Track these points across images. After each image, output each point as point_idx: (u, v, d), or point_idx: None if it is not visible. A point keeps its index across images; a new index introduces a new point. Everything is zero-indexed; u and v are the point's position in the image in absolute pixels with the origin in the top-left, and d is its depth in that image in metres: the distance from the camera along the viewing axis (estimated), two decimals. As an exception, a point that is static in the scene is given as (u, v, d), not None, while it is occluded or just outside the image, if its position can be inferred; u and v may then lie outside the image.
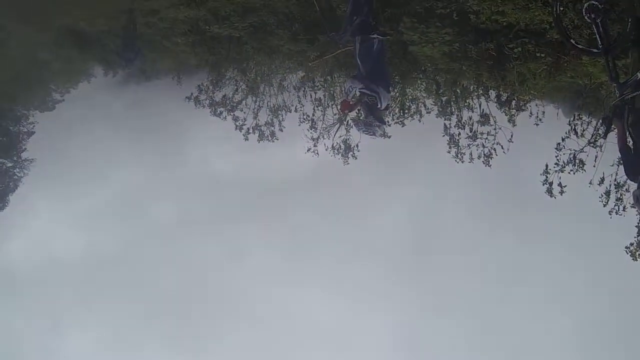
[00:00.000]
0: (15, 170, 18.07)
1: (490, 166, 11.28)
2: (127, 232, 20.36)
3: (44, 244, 19.96)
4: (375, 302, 19.51)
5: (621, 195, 9.44)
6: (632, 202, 4.86)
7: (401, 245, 19.07)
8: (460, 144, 11.42)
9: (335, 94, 13.32)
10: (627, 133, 4.75)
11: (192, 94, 14.69)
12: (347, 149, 13.39)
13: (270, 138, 14.61)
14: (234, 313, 20.50)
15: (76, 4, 9.59)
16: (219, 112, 14.64)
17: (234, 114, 14.64)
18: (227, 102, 14.61)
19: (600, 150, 9.65)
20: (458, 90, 11.30)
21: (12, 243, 19.46)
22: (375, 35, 6.40)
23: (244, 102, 14.57)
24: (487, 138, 11.22)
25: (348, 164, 13.46)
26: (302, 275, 20.35)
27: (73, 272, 20.06)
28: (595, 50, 5.18)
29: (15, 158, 17.83)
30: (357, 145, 13.21)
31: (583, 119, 9.98)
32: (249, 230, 19.86)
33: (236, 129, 14.57)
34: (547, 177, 10.17)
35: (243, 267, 20.40)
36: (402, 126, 12.39)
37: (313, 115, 13.75)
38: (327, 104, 13.64)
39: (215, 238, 20.31)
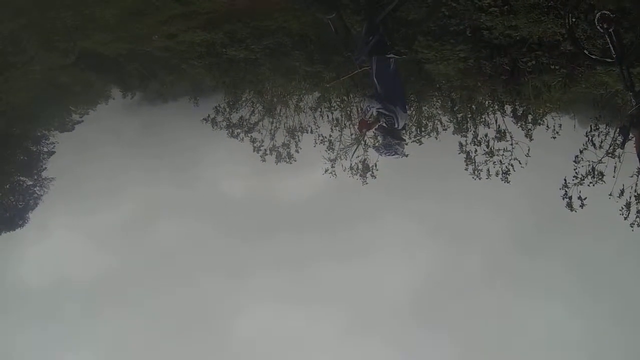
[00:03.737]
0: (35, 189, 18.38)
1: (509, 182, 11.15)
2: (138, 253, 20.74)
3: (56, 262, 20.40)
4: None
5: (642, 207, 9.21)
6: None
7: (414, 291, 19.04)
8: (477, 161, 11.32)
9: (352, 114, 13.32)
10: (645, 141, 4.69)
11: (209, 115, 14.81)
12: (365, 169, 13.33)
13: (287, 159, 14.64)
14: (232, 340, 20.62)
15: (96, 29, 9.88)
16: (236, 133, 14.75)
17: (251, 136, 14.74)
18: (244, 123, 14.73)
19: (619, 161, 9.47)
20: (473, 107, 11.25)
21: (27, 259, 19.90)
22: (391, 55, 6.43)
23: (260, 123, 14.67)
24: (504, 155, 11.11)
25: (367, 184, 13.39)
26: (308, 314, 20.45)
27: (82, 291, 20.42)
28: (609, 60, 5.16)
29: (35, 177, 18.15)
30: (375, 165, 13.17)
31: (600, 129, 9.83)
32: (260, 256, 20.01)
33: (254, 150, 14.67)
34: (566, 191, 10.01)
35: (249, 296, 20.58)
36: (420, 144, 12.34)
37: (330, 136, 13.75)
38: (344, 125, 13.64)
39: (225, 265, 20.53)
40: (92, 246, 20.29)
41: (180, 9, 9.45)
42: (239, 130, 14.77)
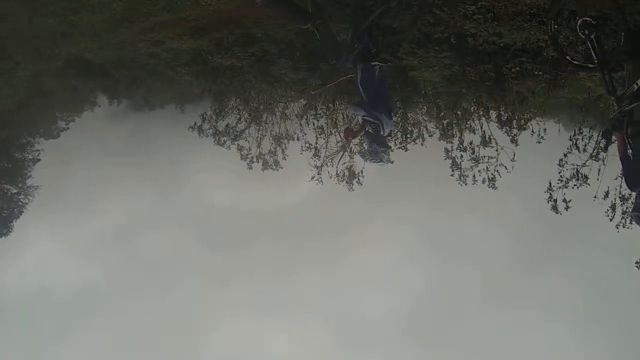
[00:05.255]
0: (20, 197, 18.11)
1: (496, 188, 11.25)
2: (122, 263, 20.53)
3: (39, 272, 20.09)
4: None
5: (627, 208, 9.33)
6: (634, 221, 4.85)
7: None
8: (462, 166, 11.41)
9: (337, 122, 13.35)
10: (627, 144, 4.77)
11: (195, 123, 14.82)
12: (351, 176, 13.36)
13: (274, 167, 14.63)
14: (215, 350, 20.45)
15: (83, 36, 9.83)
16: (222, 141, 14.71)
17: (237, 143, 14.70)
18: (231, 131, 14.69)
19: (603, 164, 9.62)
20: (459, 113, 11.35)
21: (10, 268, 19.58)
22: (376, 62, 6.45)
23: (247, 131, 14.64)
24: (489, 162, 11.22)
25: (353, 190, 13.42)
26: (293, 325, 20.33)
27: (62, 303, 20.13)
28: (591, 65, 5.25)
29: (20, 185, 17.89)
30: (361, 172, 13.20)
31: (584, 133, 9.98)
32: (247, 264, 19.89)
33: (241, 158, 14.63)
34: (551, 194, 10.14)
35: (235, 306, 20.42)
36: (405, 151, 12.40)
37: (316, 143, 13.77)
38: (330, 132, 13.67)
39: (211, 274, 20.37)
40: (75, 256, 20.06)
41: (168, 16, 9.44)
42: (225, 138, 14.75)
